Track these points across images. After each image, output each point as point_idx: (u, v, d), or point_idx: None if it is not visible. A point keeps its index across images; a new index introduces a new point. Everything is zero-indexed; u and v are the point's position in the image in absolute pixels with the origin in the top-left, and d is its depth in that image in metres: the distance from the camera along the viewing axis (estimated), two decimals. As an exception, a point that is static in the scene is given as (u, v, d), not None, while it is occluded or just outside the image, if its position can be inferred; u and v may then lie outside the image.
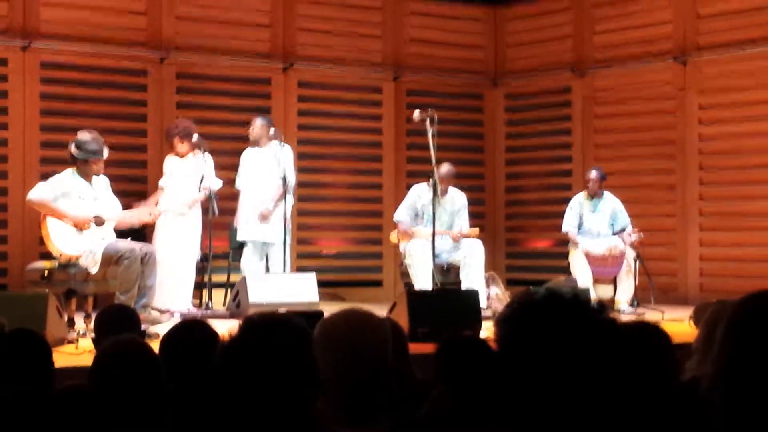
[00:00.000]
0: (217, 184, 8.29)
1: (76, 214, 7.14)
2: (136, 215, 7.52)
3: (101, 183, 7.40)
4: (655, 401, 2.14)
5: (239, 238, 8.60)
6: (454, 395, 2.93)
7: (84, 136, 7.27)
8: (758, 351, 1.95)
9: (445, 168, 8.66)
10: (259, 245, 8.57)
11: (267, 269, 8.53)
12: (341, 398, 2.21)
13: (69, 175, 7.25)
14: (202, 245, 8.33)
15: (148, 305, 7.14)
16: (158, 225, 8.22)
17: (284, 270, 8.31)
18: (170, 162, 8.43)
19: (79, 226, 7.14)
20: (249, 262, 8.54)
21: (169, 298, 8.03)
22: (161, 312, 7.64)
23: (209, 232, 8.17)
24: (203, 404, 2.02)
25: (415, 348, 5.62)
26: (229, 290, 8.43)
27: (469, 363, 3.09)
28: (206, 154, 8.22)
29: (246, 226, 8.57)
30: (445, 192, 8.67)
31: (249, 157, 8.73)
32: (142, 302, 7.06)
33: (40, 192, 7.14)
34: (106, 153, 7.30)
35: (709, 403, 2.05)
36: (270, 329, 1.96)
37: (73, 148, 7.22)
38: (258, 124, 8.65)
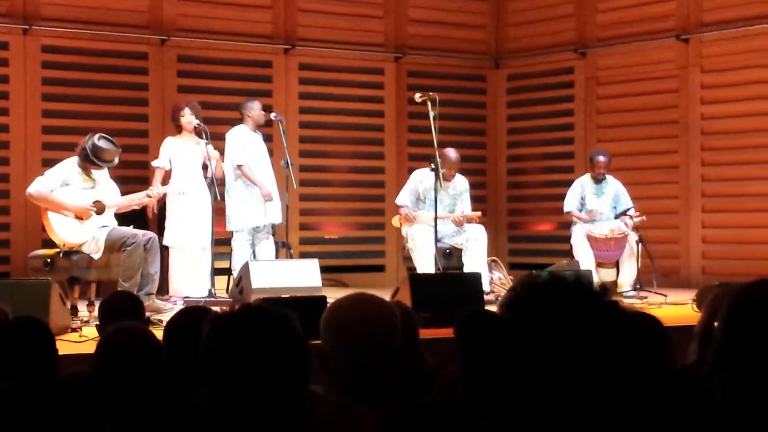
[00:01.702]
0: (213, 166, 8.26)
1: (77, 205, 7.13)
2: (136, 198, 7.50)
3: (101, 170, 7.38)
4: (656, 385, 2.14)
5: (262, 222, 8.48)
6: (471, 375, 2.95)
7: (103, 144, 7.21)
8: (759, 338, 1.95)
9: (454, 155, 8.62)
10: (251, 231, 8.53)
11: (254, 255, 8.47)
12: (349, 381, 2.22)
13: (70, 164, 7.23)
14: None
15: (151, 293, 7.14)
16: (170, 212, 8.19)
17: (285, 254, 8.32)
18: (171, 144, 8.36)
19: (81, 217, 7.14)
20: (241, 248, 8.48)
21: (187, 284, 8.04)
22: (169, 299, 7.65)
23: (212, 217, 8.15)
24: (200, 395, 2.03)
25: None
26: (231, 276, 8.43)
27: (491, 338, 3.10)
28: (209, 144, 8.16)
29: (267, 210, 8.47)
30: (451, 178, 8.65)
31: (248, 136, 8.56)
32: (146, 290, 7.05)
33: (38, 186, 7.13)
34: (116, 161, 7.29)
35: (708, 387, 2.05)
36: (237, 322, 1.96)
37: (88, 146, 7.16)
38: (258, 107, 8.58)
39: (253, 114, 8.53)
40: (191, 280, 8.10)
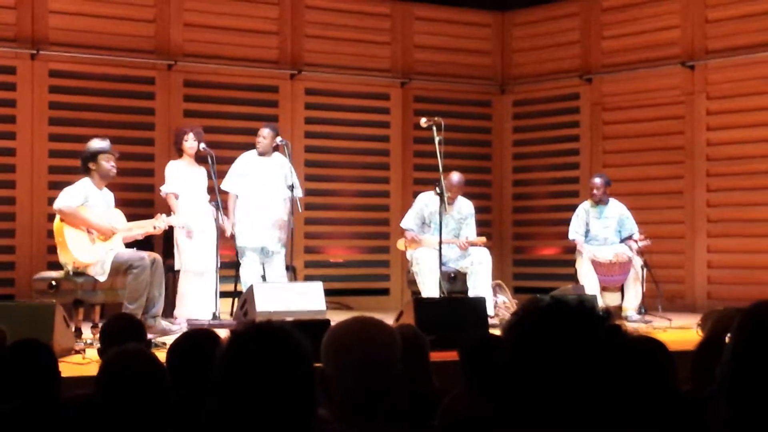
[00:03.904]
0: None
1: (102, 224, 7.15)
2: (140, 225, 7.50)
3: (109, 196, 7.41)
4: (658, 409, 2.14)
5: (240, 243, 8.54)
6: (476, 399, 2.95)
7: (92, 143, 7.36)
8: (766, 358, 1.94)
9: (456, 177, 8.65)
10: (258, 251, 8.54)
11: (263, 278, 8.49)
12: (350, 405, 2.21)
13: (85, 183, 7.26)
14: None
15: (157, 315, 7.14)
16: (178, 237, 8.21)
17: (289, 278, 8.32)
18: (175, 167, 8.39)
19: (105, 236, 7.15)
20: (250, 270, 8.50)
21: (195, 308, 8.04)
22: (174, 321, 7.65)
23: (217, 241, 8.16)
24: (205, 416, 2.02)
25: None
26: (236, 299, 8.42)
27: (495, 362, 3.10)
28: (213, 164, 8.19)
29: (249, 232, 8.52)
30: (453, 201, 8.66)
31: (250, 162, 8.61)
32: (152, 312, 7.05)
33: (67, 201, 7.11)
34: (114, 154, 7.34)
35: (710, 409, 2.04)
36: (254, 340, 1.96)
37: (82, 159, 7.30)
38: (269, 135, 8.62)
39: (258, 140, 8.60)
40: (202, 303, 8.09)
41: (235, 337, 1.99)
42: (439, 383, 3.61)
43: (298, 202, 8.53)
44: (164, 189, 8.35)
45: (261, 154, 8.62)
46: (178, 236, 8.22)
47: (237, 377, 1.93)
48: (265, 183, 8.58)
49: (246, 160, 8.66)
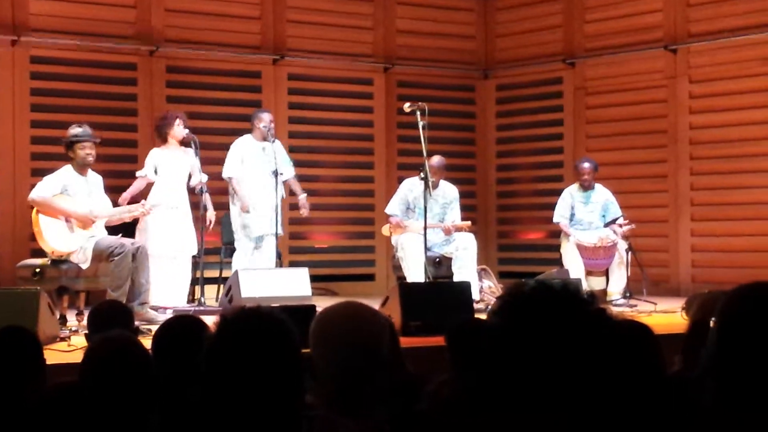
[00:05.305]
0: (203, 178, 8.26)
1: (79, 212, 7.12)
2: (127, 210, 7.50)
3: (95, 180, 7.40)
4: (643, 392, 2.15)
5: (260, 233, 8.43)
6: (462, 383, 2.96)
7: (70, 129, 7.36)
8: (752, 341, 1.95)
9: (436, 160, 8.65)
10: (253, 239, 8.52)
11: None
12: (338, 390, 2.21)
13: (66, 170, 7.26)
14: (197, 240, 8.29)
15: (145, 303, 7.13)
16: (149, 220, 8.16)
17: (276, 264, 8.30)
18: (157, 154, 8.34)
19: (85, 225, 7.13)
20: (244, 257, 8.46)
21: (165, 294, 8.00)
22: (156, 309, 7.63)
23: (201, 227, 8.14)
24: (192, 402, 2.02)
25: (408, 342, 5.65)
26: (221, 285, 8.41)
27: (482, 347, 3.11)
28: (197, 150, 8.16)
29: (262, 220, 8.45)
30: (436, 184, 8.66)
31: (252, 147, 8.54)
32: (139, 300, 7.03)
33: (41, 191, 7.12)
34: (90, 131, 7.31)
35: (696, 393, 2.05)
36: (244, 325, 1.96)
37: (64, 144, 7.29)
38: (266, 119, 8.56)
39: (260, 126, 8.51)
40: (175, 288, 8.04)
41: (224, 322, 1.99)
42: (421, 368, 3.62)
43: (282, 188, 8.53)
44: (138, 173, 8.30)
45: (264, 139, 8.55)
46: (147, 220, 8.18)
47: (226, 362, 1.93)
48: (265, 169, 8.51)
49: (245, 145, 8.55)
